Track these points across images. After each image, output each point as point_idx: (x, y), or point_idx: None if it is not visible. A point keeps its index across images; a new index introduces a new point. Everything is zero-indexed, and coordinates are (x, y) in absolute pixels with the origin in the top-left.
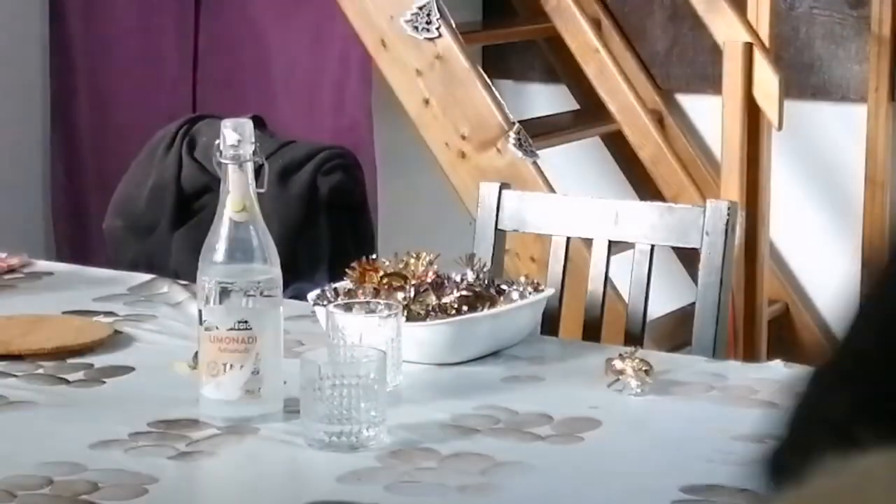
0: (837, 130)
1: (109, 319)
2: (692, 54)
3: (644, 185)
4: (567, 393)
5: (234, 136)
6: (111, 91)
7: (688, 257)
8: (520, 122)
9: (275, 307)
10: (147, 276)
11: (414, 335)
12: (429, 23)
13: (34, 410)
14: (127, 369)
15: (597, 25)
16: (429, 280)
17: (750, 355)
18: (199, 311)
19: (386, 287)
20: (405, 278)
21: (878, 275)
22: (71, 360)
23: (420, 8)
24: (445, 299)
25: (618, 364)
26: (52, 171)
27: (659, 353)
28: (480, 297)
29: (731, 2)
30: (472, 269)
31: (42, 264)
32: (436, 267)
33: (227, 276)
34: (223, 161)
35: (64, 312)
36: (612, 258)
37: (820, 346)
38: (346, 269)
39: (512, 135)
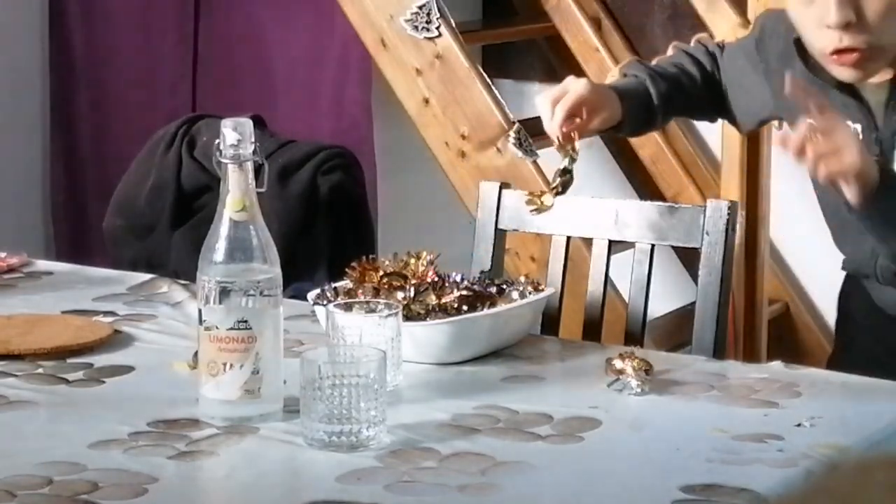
0: None
1: (109, 319)
2: None
3: (644, 185)
4: (567, 393)
5: (234, 136)
6: (111, 91)
7: (688, 257)
8: (520, 121)
9: (275, 307)
10: (147, 276)
11: (414, 335)
12: (429, 22)
13: (34, 410)
14: (127, 369)
15: (597, 25)
16: (429, 280)
17: (750, 355)
18: (199, 311)
19: (386, 287)
20: (405, 278)
21: None
22: (71, 360)
23: (420, 7)
24: (445, 299)
25: (618, 364)
26: (52, 170)
27: (659, 353)
28: (480, 296)
29: (731, 2)
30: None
31: (42, 264)
32: (436, 267)
33: (226, 275)
34: (223, 161)
35: (64, 312)
36: (612, 258)
37: (820, 346)
38: (346, 269)
39: (512, 134)
